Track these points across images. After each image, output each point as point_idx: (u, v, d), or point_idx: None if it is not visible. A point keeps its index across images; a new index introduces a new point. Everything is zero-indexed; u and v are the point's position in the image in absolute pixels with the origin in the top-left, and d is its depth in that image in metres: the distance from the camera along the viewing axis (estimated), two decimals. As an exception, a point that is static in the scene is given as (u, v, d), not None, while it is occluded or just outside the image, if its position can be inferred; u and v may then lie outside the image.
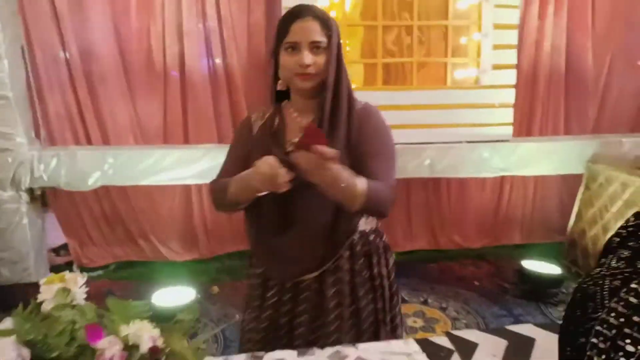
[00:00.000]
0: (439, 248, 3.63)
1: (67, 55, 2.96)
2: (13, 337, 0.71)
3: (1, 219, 2.83)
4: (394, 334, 1.37)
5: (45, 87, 2.96)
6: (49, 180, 2.86)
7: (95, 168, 2.88)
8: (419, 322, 2.78)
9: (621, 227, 0.54)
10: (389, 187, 1.20)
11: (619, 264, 0.49)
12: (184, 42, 3.04)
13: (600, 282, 0.47)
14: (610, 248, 0.52)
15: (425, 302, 3.01)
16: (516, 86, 3.16)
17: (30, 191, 2.91)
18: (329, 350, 1.03)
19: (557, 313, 2.94)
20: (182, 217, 3.34)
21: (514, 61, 3.15)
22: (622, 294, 0.43)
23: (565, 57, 3.36)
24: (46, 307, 0.84)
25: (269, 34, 3.14)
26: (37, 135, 2.97)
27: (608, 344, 0.42)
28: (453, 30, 3.09)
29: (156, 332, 0.78)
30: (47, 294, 0.86)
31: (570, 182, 3.48)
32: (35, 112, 2.95)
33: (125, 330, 0.77)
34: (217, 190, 1.28)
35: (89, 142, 3.10)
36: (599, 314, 0.44)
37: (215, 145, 3.12)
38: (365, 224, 1.33)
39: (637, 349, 0.40)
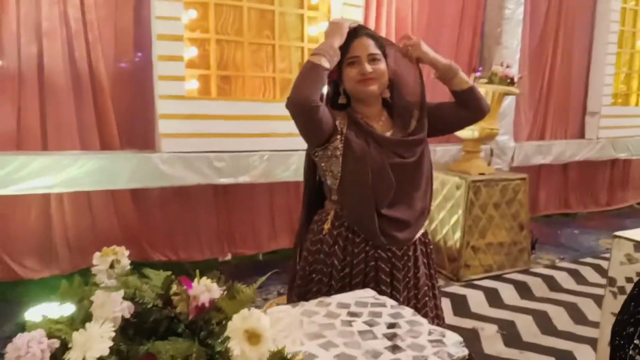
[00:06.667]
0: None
1: None
2: (120, 292, 0.82)
3: None
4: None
5: None
6: None
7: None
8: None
9: None
10: None
11: None
12: (42, 43, 2.87)
13: None
14: None
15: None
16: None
17: None
18: (314, 301, 1.26)
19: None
20: (38, 230, 3.06)
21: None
22: None
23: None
24: (101, 275, 0.94)
25: (137, 39, 3.15)
26: None
27: None
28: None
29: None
30: (103, 265, 0.95)
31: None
32: None
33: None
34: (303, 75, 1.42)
35: None
36: None
37: (81, 152, 2.98)
38: None
39: None
